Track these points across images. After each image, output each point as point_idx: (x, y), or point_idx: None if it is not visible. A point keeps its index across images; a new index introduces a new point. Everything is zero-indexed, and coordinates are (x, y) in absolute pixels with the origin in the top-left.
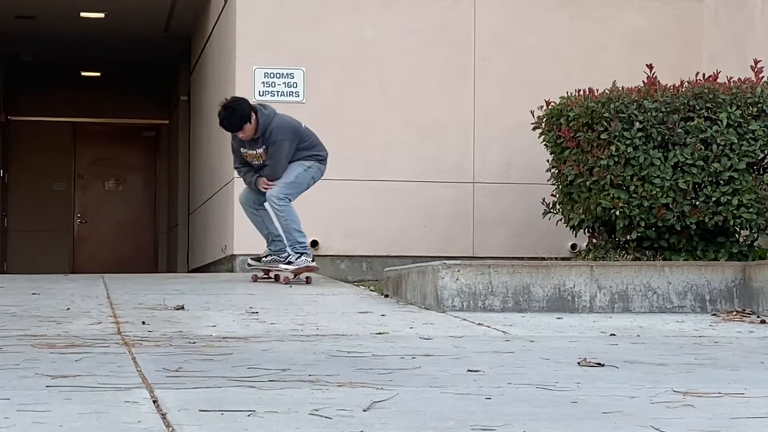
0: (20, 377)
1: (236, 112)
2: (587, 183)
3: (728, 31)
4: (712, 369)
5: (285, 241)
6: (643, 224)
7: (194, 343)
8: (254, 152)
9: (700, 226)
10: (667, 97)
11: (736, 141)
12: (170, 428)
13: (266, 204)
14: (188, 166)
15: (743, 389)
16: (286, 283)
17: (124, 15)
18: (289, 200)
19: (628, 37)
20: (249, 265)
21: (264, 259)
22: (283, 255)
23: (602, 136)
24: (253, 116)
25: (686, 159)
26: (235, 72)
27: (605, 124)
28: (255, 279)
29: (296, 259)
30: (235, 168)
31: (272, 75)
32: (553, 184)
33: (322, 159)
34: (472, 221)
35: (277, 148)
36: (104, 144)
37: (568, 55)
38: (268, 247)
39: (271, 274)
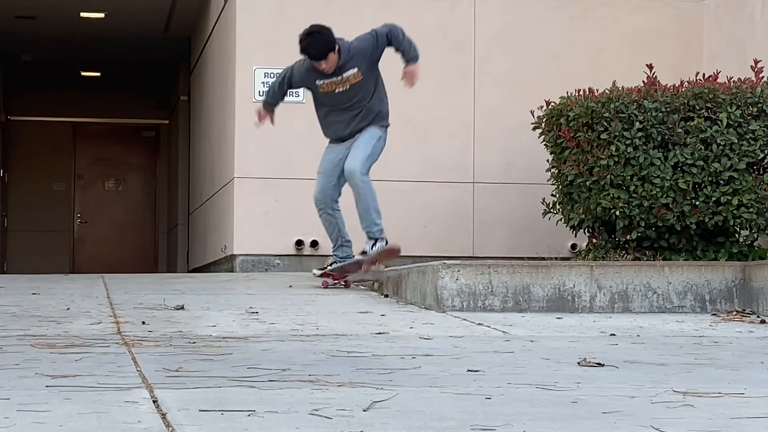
0: (20, 377)
1: (323, 37)
2: (587, 183)
3: (728, 31)
4: (712, 369)
5: (368, 225)
6: (643, 224)
7: (194, 343)
8: (340, 78)
9: (700, 226)
10: (667, 97)
11: (736, 141)
12: (170, 428)
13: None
14: (188, 166)
15: (743, 389)
16: (354, 284)
17: (124, 15)
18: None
19: (628, 37)
20: (316, 275)
21: (330, 267)
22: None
23: (602, 136)
24: (336, 46)
25: (686, 159)
26: (235, 72)
27: (605, 124)
28: (326, 285)
29: (371, 248)
30: (271, 92)
31: (272, 75)
32: (553, 184)
33: (388, 127)
34: (472, 221)
35: (396, 39)
36: (104, 144)
37: (568, 55)
38: (334, 252)
39: (343, 280)
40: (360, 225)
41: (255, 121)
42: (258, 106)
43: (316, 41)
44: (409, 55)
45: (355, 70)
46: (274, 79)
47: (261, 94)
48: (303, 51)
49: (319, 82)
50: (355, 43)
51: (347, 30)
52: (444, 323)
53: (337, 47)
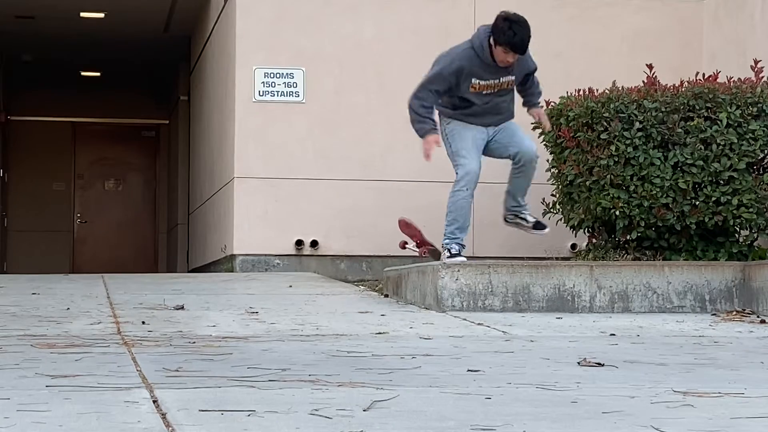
0: (20, 377)
1: (528, 31)
2: (587, 183)
3: (728, 31)
4: (712, 369)
5: (523, 204)
6: (643, 224)
7: (194, 343)
8: (497, 80)
9: (700, 226)
10: (667, 97)
11: (736, 141)
12: (170, 428)
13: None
14: (188, 166)
15: (743, 389)
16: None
17: (124, 15)
18: None
19: (628, 37)
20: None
21: (452, 258)
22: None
23: (602, 136)
24: None
25: (686, 159)
26: (235, 72)
27: (605, 124)
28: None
29: (528, 220)
30: (430, 105)
31: (272, 75)
32: (553, 184)
33: None
34: (472, 221)
35: (534, 77)
36: (104, 144)
37: (568, 55)
38: (455, 239)
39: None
40: (510, 202)
41: (427, 155)
42: (427, 140)
43: (525, 32)
44: (537, 99)
45: (512, 78)
46: (428, 86)
47: (261, 93)
48: (507, 40)
49: (474, 81)
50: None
51: (347, 30)
52: (444, 323)
53: None
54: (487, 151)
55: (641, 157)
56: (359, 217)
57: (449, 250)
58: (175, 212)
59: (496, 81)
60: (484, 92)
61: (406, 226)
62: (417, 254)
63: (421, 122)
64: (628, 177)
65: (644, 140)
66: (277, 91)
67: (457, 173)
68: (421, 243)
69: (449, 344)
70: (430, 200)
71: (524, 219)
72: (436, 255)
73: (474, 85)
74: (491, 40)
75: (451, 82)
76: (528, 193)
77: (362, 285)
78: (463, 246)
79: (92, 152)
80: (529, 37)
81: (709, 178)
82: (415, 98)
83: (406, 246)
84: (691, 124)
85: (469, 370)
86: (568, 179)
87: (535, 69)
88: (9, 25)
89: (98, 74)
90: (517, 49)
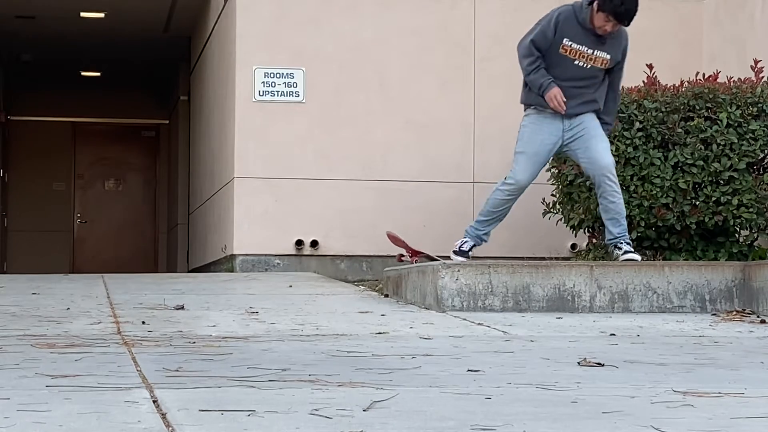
0: (20, 377)
1: (638, 3)
2: (587, 183)
3: (728, 31)
4: (712, 369)
5: (617, 227)
6: (643, 224)
7: (194, 343)
8: (592, 51)
9: (700, 226)
10: (667, 97)
11: (736, 141)
12: (170, 428)
13: (598, 178)
14: (188, 166)
15: (743, 389)
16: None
17: (124, 15)
18: None
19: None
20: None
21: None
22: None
23: None
24: None
25: (686, 159)
26: (235, 72)
27: None
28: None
29: (622, 254)
30: (535, 59)
31: (272, 75)
32: (553, 184)
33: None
34: (472, 221)
35: (618, 80)
36: (104, 144)
37: None
38: (481, 232)
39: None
40: (606, 228)
41: (557, 104)
42: (550, 97)
43: (633, 3)
44: (608, 116)
45: (607, 56)
46: (531, 39)
47: (261, 93)
48: (613, 8)
49: (567, 42)
50: (625, 32)
51: (347, 30)
52: (444, 323)
53: None
54: (566, 154)
55: (641, 157)
56: (359, 217)
57: (462, 244)
58: (175, 212)
59: (591, 52)
60: (576, 61)
61: (394, 239)
62: (412, 263)
63: (534, 74)
64: (628, 177)
65: (644, 140)
66: (277, 91)
67: (509, 173)
68: (413, 253)
69: (449, 344)
70: (430, 200)
71: (618, 249)
72: (430, 260)
73: (565, 46)
74: (594, 4)
75: (549, 37)
76: (620, 222)
77: (362, 285)
78: (483, 240)
79: (92, 152)
80: (636, 9)
81: (709, 178)
82: (521, 51)
83: (402, 259)
84: (691, 124)
85: (469, 370)
86: (568, 179)
87: (624, 60)
88: (9, 25)
89: (98, 74)
90: (620, 19)
